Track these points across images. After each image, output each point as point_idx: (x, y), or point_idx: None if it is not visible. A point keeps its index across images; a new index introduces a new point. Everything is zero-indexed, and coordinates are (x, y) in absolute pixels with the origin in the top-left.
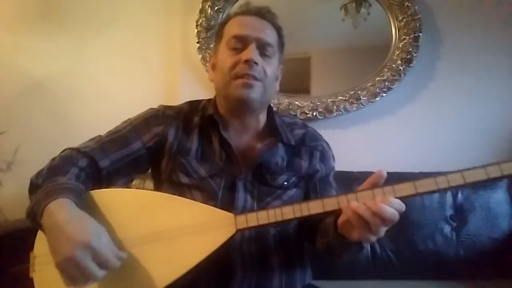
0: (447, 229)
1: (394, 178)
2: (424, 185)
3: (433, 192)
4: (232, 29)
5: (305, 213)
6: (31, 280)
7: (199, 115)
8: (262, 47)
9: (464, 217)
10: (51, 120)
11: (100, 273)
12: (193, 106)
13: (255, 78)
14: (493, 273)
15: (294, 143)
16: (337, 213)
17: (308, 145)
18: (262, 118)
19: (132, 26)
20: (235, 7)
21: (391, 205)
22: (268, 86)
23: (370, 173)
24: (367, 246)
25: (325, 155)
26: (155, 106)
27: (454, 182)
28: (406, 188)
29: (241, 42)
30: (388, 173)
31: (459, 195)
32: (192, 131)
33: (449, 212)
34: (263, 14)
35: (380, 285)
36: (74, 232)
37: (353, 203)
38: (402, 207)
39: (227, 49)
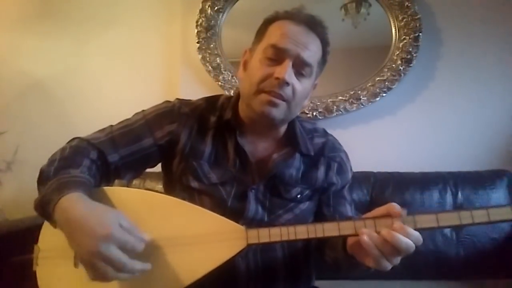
0: (447, 229)
1: (395, 178)
2: (447, 219)
3: (456, 227)
4: (275, 35)
5: (320, 234)
6: (34, 273)
7: (216, 115)
8: (299, 66)
9: None
10: (51, 120)
11: (130, 261)
12: (211, 103)
13: (281, 98)
14: (493, 273)
15: (313, 154)
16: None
17: (326, 156)
18: (283, 126)
19: (132, 26)
20: (236, 7)
21: (408, 237)
22: (294, 106)
23: (371, 173)
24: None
25: (342, 168)
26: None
27: (479, 219)
28: (428, 220)
29: (279, 55)
30: (388, 173)
31: (459, 195)
32: (207, 132)
33: None
34: (314, 25)
35: (380, 285)
36: (94, 225)
37: (366, 232)
38: (419, 240)
39: (263, 56)
